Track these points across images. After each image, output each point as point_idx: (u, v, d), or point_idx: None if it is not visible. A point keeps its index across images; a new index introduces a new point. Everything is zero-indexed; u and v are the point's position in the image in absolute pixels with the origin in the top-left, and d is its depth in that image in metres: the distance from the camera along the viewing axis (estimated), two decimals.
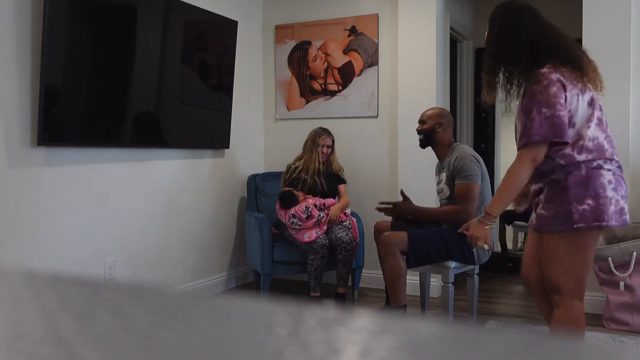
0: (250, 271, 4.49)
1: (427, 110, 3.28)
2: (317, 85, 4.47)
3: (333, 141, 3.99)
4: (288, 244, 3.87)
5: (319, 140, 3.91)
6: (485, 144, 5.29)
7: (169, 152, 3.75)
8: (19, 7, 2.80)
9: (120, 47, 3.27)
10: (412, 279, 3.77)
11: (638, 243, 3.19)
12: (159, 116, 3.59)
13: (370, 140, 4.31)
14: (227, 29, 4.09)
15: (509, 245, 5.28)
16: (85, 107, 3.12)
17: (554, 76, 2.05)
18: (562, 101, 2.04)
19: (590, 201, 2.04)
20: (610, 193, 2.05)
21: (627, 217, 2.10)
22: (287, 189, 3.90)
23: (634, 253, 3.17)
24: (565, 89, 2.05)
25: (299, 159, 4.00)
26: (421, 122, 3.22)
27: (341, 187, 4.01)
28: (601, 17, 3.51)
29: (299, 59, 4.54)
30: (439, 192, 3.21)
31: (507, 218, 5.09)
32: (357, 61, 4.32)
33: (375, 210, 3.24)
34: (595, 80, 2.14)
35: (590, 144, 2.08)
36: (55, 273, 0.48)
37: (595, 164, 2.07)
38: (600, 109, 2.16)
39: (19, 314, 0.39)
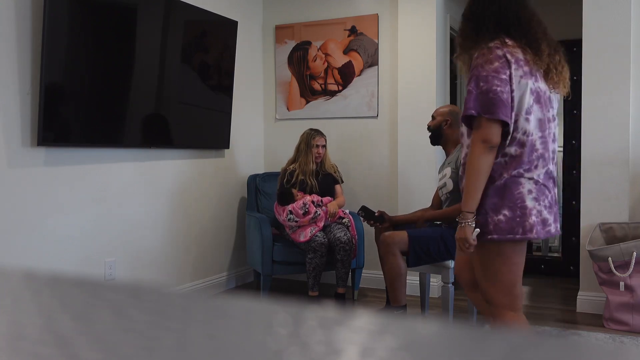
0: (250, 271, 4.49)
1: (440, 107, 3.33)
2: (317, 86, 4.47)
3: (325, 140, 4.00)
4: (288, 244, 3.87)
5: (313, 142, 3.91)
6: None
7: (168, 152, 3.75)
8: (19, 7, 2.80)
9: (120, 47, 3.27)
10: (412, 279, 3.77)
11: (638, 243, 3.19)
12: (158, 116, 3.59)
13: (370, 140, 4.31)
14: (227, 29, 4.09)
15: None
16: (85, 107, 3.12)
17: (499, 52, 1.93)
18: (504, 77, 1.91)
19: (506, 211, 1.93)
20: (530, 203, 1.93)
21: (552, 228, 1.98)
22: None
23: (634, 253, 3.17)
24: (509, 66, 1.92)
25: (293, 162, 4.00)
26: (432, 117, 3.25)
27: (337, 187, 4.02)
28: (601, 17, 3.51)
29: (299, 59, 4.54)
30: (441, 187, 3.20)
31: None
32: (357, 61, 4.32)
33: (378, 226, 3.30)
34: (555, 77, 2.01)
35: (523, 138, 1.94)
36: (55, 273, 0.48)
37: (515, 172, 1.95)
38: (550, 109, 2.03)
39: (19, 314, 0.39)
